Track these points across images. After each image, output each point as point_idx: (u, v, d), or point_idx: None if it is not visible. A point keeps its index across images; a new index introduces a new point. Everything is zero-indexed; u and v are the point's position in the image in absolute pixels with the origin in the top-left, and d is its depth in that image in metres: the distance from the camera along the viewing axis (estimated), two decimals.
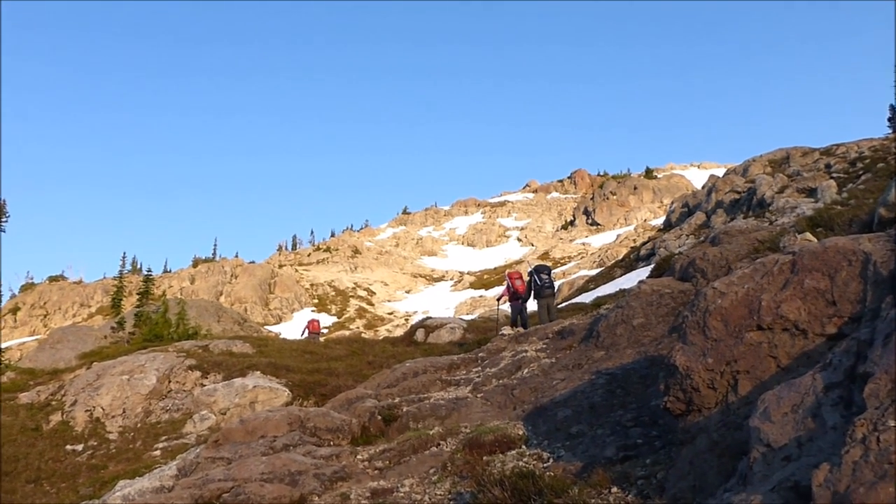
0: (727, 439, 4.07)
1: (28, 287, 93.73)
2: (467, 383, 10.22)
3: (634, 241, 69.81)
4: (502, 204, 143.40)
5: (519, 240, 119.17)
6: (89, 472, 14.19)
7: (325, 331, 63.30)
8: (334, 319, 78.35)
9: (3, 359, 28.44)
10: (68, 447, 15.77)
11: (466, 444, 7.29)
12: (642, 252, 41.71)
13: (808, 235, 9.59)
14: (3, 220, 31.43)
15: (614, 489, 4.84)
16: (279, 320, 79.76)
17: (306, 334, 28.31)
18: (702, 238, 13.00)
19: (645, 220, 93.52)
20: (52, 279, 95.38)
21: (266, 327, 60.98)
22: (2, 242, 29.81)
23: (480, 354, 12.06)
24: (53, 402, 18.13)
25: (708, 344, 4.61)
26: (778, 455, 3.25)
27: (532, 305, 16.43)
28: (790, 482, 2.95)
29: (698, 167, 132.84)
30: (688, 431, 4.56)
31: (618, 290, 26.58)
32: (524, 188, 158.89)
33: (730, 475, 3.78)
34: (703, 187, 45.79)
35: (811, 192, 26.80)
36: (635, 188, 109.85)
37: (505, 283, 16.80)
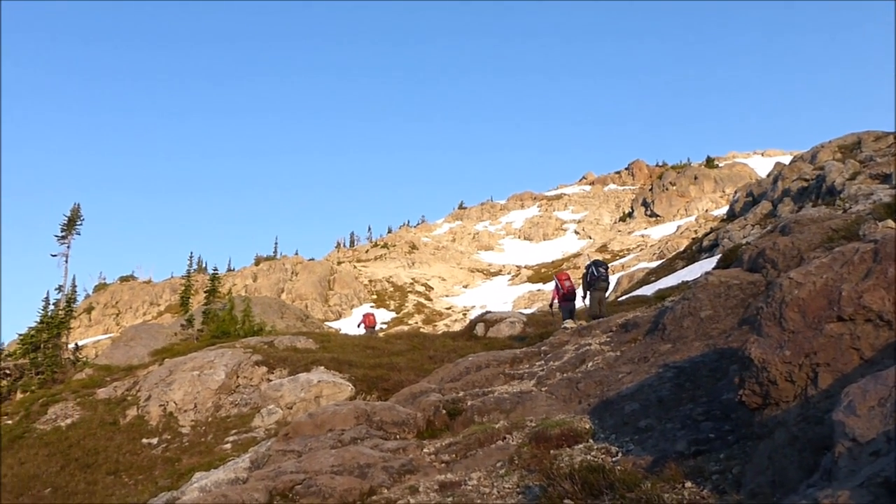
0: (808, 433, 3.95)
1: (101, 287, 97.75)
2: (531, 377, 10.20)
3: (696, 232, 68.26)
4: (559, 197, 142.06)
5: (576, 233, 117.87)
6: (165, 465, 14.73)
7: (382, 325, 64.04)
8: (393, 315, 79.12)
9: (80, 356, 29.76)
10: (144, 440, 16.39)
11: (533, 438, 7.28)
12: (705, 243, 40.74)
13: (890, 223, 9.18)
14: (78, 223, 32.76)
15: (688, 484, 4.76)
16: (339, 316, 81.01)
17: (363, 329, 28.63)
18: (769, 228, 12.60)
19: (706, 211, 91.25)
20: (123, 279, 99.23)
21: (326, 323, 62.05)
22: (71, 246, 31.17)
23: (543, 348, 12.01)
24: (129, 398, 18.87)
25: (785, 336, 4.49)
26: (865, 450, 3.14)
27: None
28: (880, 478, 2.85)
29: (762, 155, 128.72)
30: (765, 425, 4.45)
31: (680, 282, 26.04)
32: (581, 180, 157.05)
33: (812, 470, 3.68)
34: (768, 175, 44.42)
35: (885, 178, 25.66)
36: (696, 178, 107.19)
37: (553, 283, 17.27)
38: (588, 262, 16.78)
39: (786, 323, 4.52)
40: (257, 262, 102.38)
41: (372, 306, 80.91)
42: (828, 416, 3.66)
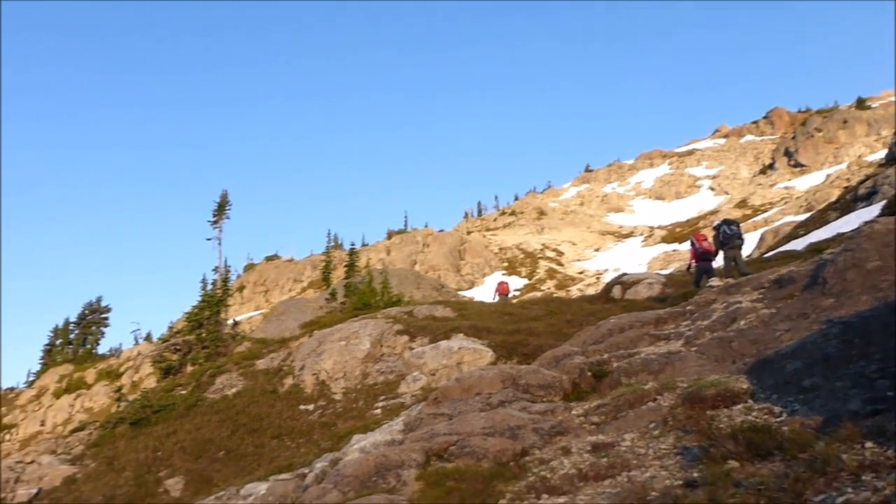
0: None
1: (250, 267, 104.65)
2: (678, 337, 9.92)
3: (848, 180, 63.09)
4: (690, 153, 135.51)
5: (711, 189, 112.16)
6: (322, 429, 15.68)
7: (515, 292, 64.25)
8: (525, 282, 79.22)
9: (238, 331, 32.10)
10: (301, 407, 17.50)
11: (686, 399, 7.10)
12: (861, 191, 37.58)
13: None
14: (227, 208, 35.04)
15: (868, 444, 4.47)
16: (471, 285, 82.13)
17: (497, 297, 28.88)
18: None
19: (859, 157, 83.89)
20: (269, 259, 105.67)
21: (460, 292, 63.12)
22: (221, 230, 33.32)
23: (688, 308, 11.63)
24: (285, 368, 20.18)
25: None
26: None
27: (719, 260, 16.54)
28: None
29: None
30: None
31: (835, 234, 24.22)
32: (713, 134, 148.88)
33: None
34: None
35: None
36: (845, 122, 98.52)
37: (690, 243, 17.44)
38: (717, 223, 16.69)
39: None
40: (389, 235, 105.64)
41: (504, 274, 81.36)
42: None
